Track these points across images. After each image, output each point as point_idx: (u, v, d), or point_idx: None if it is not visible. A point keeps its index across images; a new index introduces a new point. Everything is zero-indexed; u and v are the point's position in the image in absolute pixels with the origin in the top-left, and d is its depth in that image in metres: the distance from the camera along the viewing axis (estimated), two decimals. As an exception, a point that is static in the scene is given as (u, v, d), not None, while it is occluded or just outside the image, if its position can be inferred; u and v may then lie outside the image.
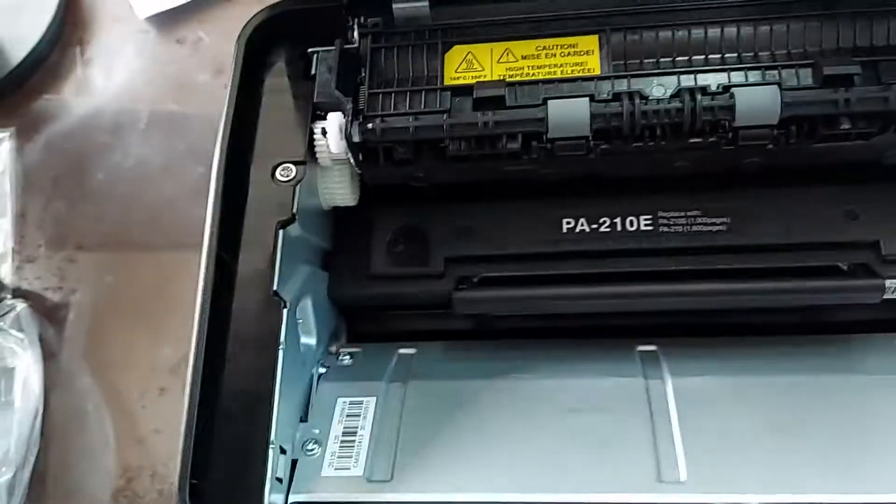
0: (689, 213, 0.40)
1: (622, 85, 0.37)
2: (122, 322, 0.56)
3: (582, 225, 0.41)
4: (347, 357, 0.41)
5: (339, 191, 0.40)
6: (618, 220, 0.41)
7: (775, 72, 0.36)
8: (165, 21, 0.69)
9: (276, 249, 0.36)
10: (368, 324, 0.44)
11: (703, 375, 0.37)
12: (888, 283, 0.38)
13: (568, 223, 0.41)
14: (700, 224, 0.40)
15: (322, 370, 0.40)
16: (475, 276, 0.41)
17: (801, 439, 0.33)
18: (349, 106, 0.37)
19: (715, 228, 0.40)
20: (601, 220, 0.41)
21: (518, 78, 0.38)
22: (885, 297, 0.38)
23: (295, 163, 0.37)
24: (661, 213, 0.40)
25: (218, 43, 0.67)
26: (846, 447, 0.33)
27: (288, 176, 0.37)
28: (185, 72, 0.67)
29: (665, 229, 0.40)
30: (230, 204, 0.36)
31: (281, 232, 0.36)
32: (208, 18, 0.71)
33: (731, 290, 0.37)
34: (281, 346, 0.34)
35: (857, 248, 0.39)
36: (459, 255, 0.41)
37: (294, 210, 0.36)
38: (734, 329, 0.41)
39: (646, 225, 0.40)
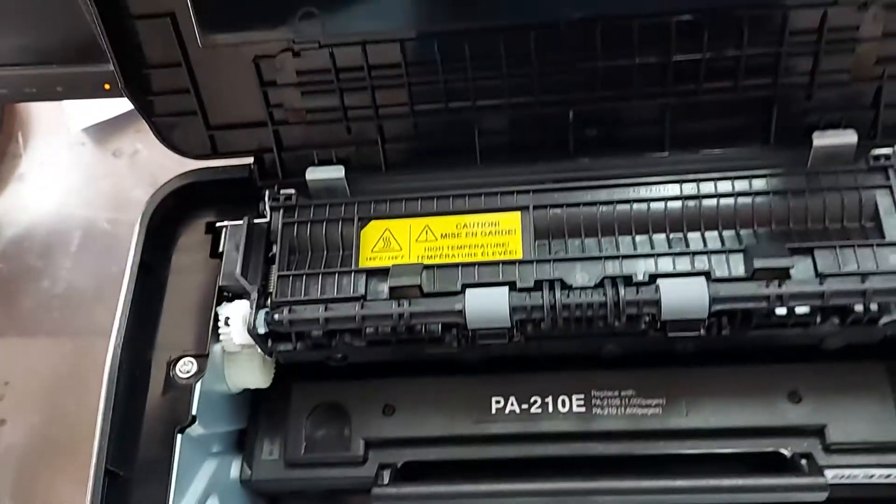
0: (623, 394, 0.38)
1: (544, 271, 0.35)
2: (49, 462, 0.54)
3: (512, 405, 0.38)
4: (262, 548, 0.38)
5: (248, 376, 0.37)
6: (549, 399, 0.38)
7: (705, 258, 0.34)
8: (102, 133, 0.66)
9: (174, 459, 0.33)
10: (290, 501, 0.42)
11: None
12: (833, 472, 0.36)
13: (497, 402, 0.38)
14: (635, 405, 0.38)
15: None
16: (398, 462, 0.38)
17: None
18: (254, 294, 0.35)
19: (650, 411, 0.37)
20: (532, 400, 0.38)
21: (437, 259, 0.36)
22: (833, 482, 0.36)
23: (196, 356, 0.35)
24: (594, 393, 0.38)
25: (155, 155, 0.64)
26: None
27: (188, 371, 0.35)
28: (120, 186, 0.64)
29: (599, 411, 0.38)
30: (126, 409, 0.34)
31: (178, 438, 0.33)
32: (146, 129, 0.67)
33: (664, 487, 0.35)
34: (175, 570, 0.31)
35: (801, 433, 0.37)
36: (381, 437, 0.38)
37: (193, 411, 0.34)
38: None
39: (578, 406, 0.38)
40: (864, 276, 0.32)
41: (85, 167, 0.64)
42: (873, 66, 0.34)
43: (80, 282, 0.59)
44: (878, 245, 0.33)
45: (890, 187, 0.34)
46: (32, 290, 0.59)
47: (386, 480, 0.37)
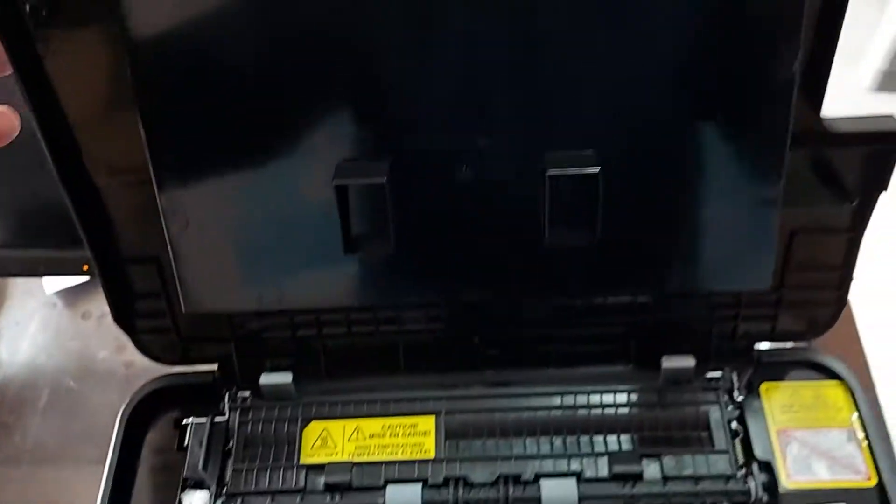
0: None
1: (452, 468, 0.43)
2: None
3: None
4: None
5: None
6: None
7: (577, 460, 0.43)
8: (73, 296, 0.74)
9: None
10: None
11: None
12: None
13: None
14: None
15: None
16: None
17: None
18: (213, 487, 0.43)
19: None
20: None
21: (364, 457, 0.44)
22: None
23: (162, 544, 0.42)
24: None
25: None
26: None
27: (154, 558, 0.42)
28: (87, 347, 0.71)
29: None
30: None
31: None
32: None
33: None
34: None
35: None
36: None
37: None
38: None
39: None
40: (698, 479, 0.42)
41: (55, 328, 0.71)
42: (706, 311, 0.45)
43: (47, 438, 0.65)
44: (708, 452, 0.43)
45: (719, 403, 0.44)
46: (4, 445, 0.65)
47: None
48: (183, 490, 0.44)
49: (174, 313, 0.45)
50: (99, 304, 0.74)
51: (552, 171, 0.36)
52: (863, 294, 0.53)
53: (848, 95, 1.66)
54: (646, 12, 0.33)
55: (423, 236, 0.39)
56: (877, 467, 0.41)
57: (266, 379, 0.46)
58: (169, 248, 0.38)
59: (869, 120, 0.38)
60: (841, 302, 0.43)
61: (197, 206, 0.38)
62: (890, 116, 0.38)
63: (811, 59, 0.34)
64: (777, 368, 0.45)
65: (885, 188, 0.38)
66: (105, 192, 0.40)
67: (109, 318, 0.72)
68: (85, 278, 0.74)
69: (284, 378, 0.46)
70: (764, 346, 0.46)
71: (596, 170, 0.36)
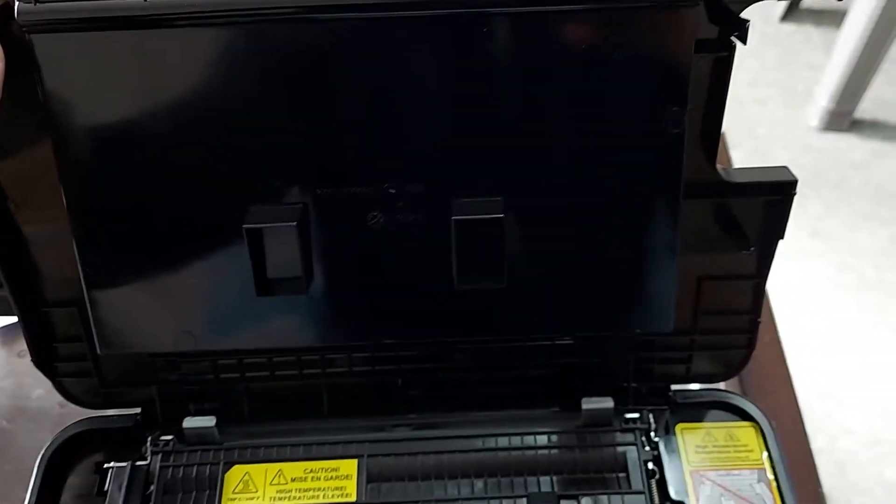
0: None
1: (373, 513, 0.43)
2: None
3: None
4: None
5: None
6: None
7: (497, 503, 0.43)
8: (7, 334, 0.73)
9: None
10: None
11: None
12: None
13: None
14: None
15: None
16: None
17: None
18: (130, 534, 0.42)
19: None
20: None
21: (286, 502, 0.44)
22: None
23: (76, 590, 0.41)
24: None
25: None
26: None
27: None
28: (21, 386, 0.70)
29: None
30: None
31: None
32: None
33: None
34: None
35: None
36: None
37: None
38: None
39: None
40: (613, 520, 0.43)
41: (-11, 367, 0.70)
42: (623, 353, 0.46)
43: (-23, 478, 0.64)
44: (625, 493, 0.43)
45: (636, 445, 0.45)
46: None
47: None
48: (101, 538, 0.43)
49: (95, 357, 0.45)
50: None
51: (458, 217, 0.37)
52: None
53: (797, 136, 1.73)
54: (544, 76, 0.34)
55: (337, 280, 0.39)
56: (785, 506, 0.42)
57: (189, 423, 0.46)
58: (84, 289, 0.39)
59: (764, 170, 0.39)
60: (751, 345, 0.45)
61: (111, 249, 0.39)
62: (784, 167, 0.40)
63: (704, 115, 0.36)
64: (692, 410, 0.46)
65: (781, 236, 0.40)
66: (26, 236, 0.41)
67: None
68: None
69: (208, 422, 0.46)
70: (680, 387, 0.47)
71: (500, 215, 0.37)
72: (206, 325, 0.40)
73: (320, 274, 0.39)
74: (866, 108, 1.72)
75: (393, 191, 0.37)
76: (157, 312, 0.40)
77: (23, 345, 0.73)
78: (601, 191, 0.38)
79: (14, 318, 0.74)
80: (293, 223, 0.37)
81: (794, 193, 0.40)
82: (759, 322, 0.44)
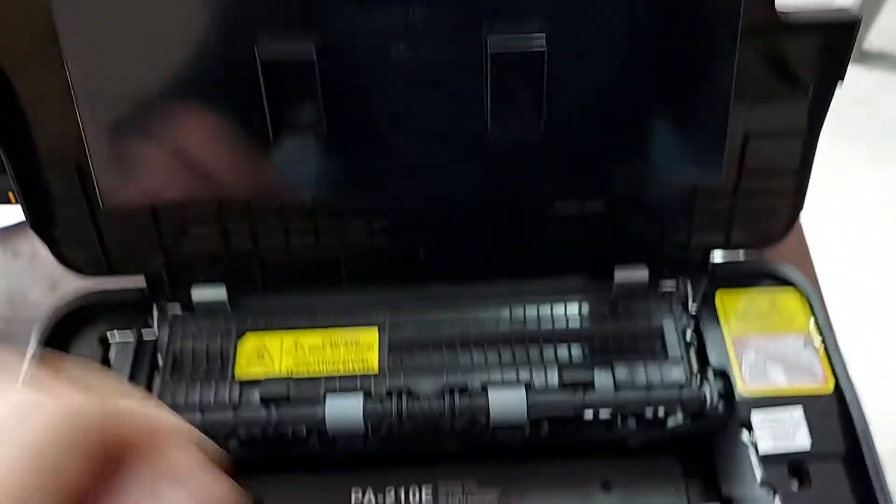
0: (465, 483, 0.44)
1: (396, 381, 0.41)
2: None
3: (369, 495, 0.44)
4: None
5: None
6: (402, 490, 0.44)
7: (527, 371, 0.41)
8: (2, 234, 0.70)
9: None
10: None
11: None
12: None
13: (356, 494, 0.44)
14: (476, 494, 0.44)
15: None
16: (264, 551, 0.43)
17: None
18: (139, 402, 0.40)
19: (488, 498, 0.43)
20: (387, 490, 0.44)
21: (304, 371, 0.41)
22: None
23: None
24: (440, 483, 0.44)
25: (53, 259, 0.68)
26: None
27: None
28: (18, 286, 0.67)
29: (444, 499, 0.44)
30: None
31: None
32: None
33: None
34: None
35: (609, 517, 0.44)
36: (251, 528, 0.43)
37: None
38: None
39: (427, 495, 0.43)
40: (650, 387, 0.40)
41: (-17, 267, 0.67)
42: (659, 218, 0.43)
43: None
44: (662, 361, 0.41)
45: (672, 314, 0.42)
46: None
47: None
48: (106, 408, 0.41)
49: (96, 222, 0.42)
50: (30, 243, 0.70)
51: (495, 49, 0.34)
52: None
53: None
54: None
55: (358, 124, 0.36)
56: (834, 372, 0.40)
57: (198, 292, 0.43)
58: (84, 139, 0.35)
59: (824, 13, 0.36)
60: (797, 208, 0.42)
61: (115, 92, 0.35)
62: (845, 10, 0.37)
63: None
64: (732, 278, 0.44)
65: (841, 77, 0.37)
66: (20, 93, 0.37)
67: (41, 257, 0.70)
68: (15, 219, 0.70)
69: (218, 292, 0.43)
70: (718, 256, 0.44)
71: (542, 49, 0.34)
72: (218, 170, 0.37)
73: (340, 117, 0.36)
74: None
75: (417, 17, 0.33)
76: (162, 161, 0.37)
77: (16, 245, 0.71)
78: (653, 25, 0.35)
79: (4, 220, 0.71)
80: (311, 56, 0.34)
81: (857, 32, 0.36)
82: (808, 183, 0.41)
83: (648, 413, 0.41)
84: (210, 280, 0.44)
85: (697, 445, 0.45)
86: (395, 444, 0.42)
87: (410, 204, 0.41)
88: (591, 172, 0.39)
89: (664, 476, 0.44)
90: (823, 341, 0.41)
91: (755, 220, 0.43)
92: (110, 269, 0.43)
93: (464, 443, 0.43)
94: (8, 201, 0.61)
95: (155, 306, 0.43)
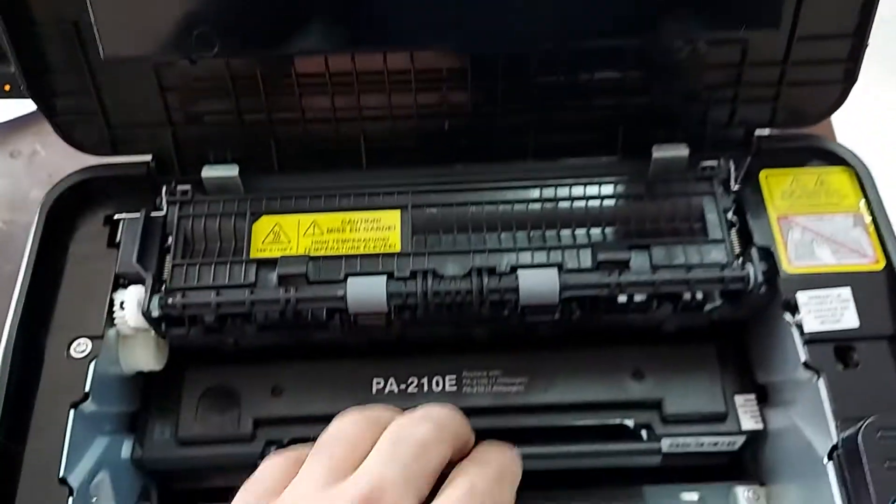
0: (490, 374, 0.42)
1: (420, 263, 0.39)
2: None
3: (391, 385, 0.42)
4: (152, 525, 0.40)
5: (142, 358, 0.40)
6: (425, 380, 0.42)
7: (558, 252, 0.39)
8: (1, 133, 0.67)
9: (66, 432, 0.35)
10: (181, 483, 0.44)
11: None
12: (669, 441, 0.41)
13: (378, 383, 0.42)
14: (501, 384, 0.42)
15: (121, 542, 0.39)
16: (284, 438, 0.41)
17: None
18: (148, 280, 0.38)
19: (514, 388, 0.42)
20: (410, 381, 0.42)
21: (322, 252, 0.39)
22: (667, 451, 0.41)
23: (91, 337, 0.37)
24: (465, 374, 0.42)
25: (54, 157, 0.65)
26: None
27: (83, 352, 0.37)
28: (17, 187, 0.65)
29: (469, 389, 0.42)
30: (20, 385, 0.36)
31: (72, 413, 0.35)
32: (45, 131, 0.68)
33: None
34: (64, 538, 0.33)
35: (642, 407, 0.42)
36: (269, 416, 0.41)
37: (87, 388, 0.36)
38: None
39: (451, 385, 0.42)
40: (689, 267, 0.38)
41: (-18, 167, 0.65)
42: (702, 91, 0.40)
43: (-24, 279, 0.59)
44: (702, 242, 0.39)
45: (713, 194, 0.40)
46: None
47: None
48: (115, 290, 0.39)
49: (99, 93, 0.39)
50: (29, 142, 0.68)
51: None
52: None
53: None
54: None
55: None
56: (885, 251, 0.38)
57: (209, 171, 0.41)
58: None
59: None
60: (851, 77, 0.39)
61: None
62: None
63: None
64: (777, 156, 0.41)
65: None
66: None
67: (41, 157, 0.67)
68: (12, 115, 0.68)
69: (230, 171, 0.41)
70: (763, 133, 0.41)
71: None
72: (225, 23, 0.33)
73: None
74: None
75: None
76: (168, 7, 0.34)
77: (15, 145, 0.68)
78: None
79: (4, 118, 0.68)
80: None
81: None
82: (864, 50, 0.38)
83: (686, 296, 0.38)
84: (221, 159, 0.41)
85: (734, 333, 0.43)
86: (418, 331, 0.40)
87: (434, 55, 0.38)
88: (642, 9, 0.35)
89: (698, 365, 0.42)
90: (874, 220, 0.38)
91: (805, 93, 0.40)
92: (115, 148, 0.41)
93: (491, 330, 0.41)
94: (4, 93, 0.58)
95: (164, 187, 0.40)
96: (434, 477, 0.28)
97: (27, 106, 0.68)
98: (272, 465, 0.29)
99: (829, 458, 0.34)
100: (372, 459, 0.28)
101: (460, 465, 0.29)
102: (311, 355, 0.43)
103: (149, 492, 0.43)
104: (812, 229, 0.38)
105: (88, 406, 0.36)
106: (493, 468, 0.29)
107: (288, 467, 0.29)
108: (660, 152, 0.41)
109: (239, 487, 0.35)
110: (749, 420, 0.41)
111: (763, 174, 0.40)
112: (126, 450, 0.40)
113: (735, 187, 0.40)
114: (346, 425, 0.30)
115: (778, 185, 0.40)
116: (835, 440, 0.34)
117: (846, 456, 0.33)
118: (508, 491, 0.29)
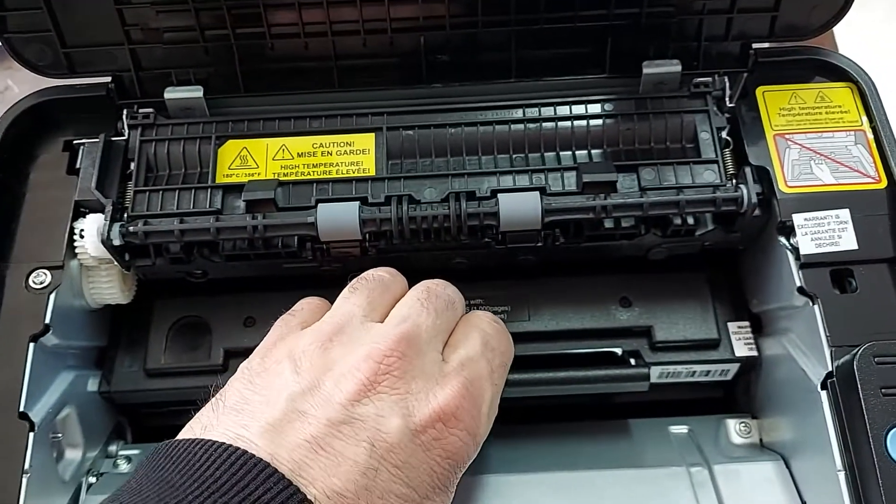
0: (471, 303, 0.40)
1: (395, 187, 0.37)
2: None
3: (368, 316, 0.40)
4: (124, 461, 0.39)
5: (108, 291, 0.38)
6: (403, 311, 0.40)
7: (542, 175, 0.37)
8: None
9: (25, 365, 0.34)
10: (155, 419, 0.43)
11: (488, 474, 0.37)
12: (659, 369, 0.40)
13: (355, 315, 0.40)
14: (483, 314, 0.40)
15: (93, 479, 0.38)
16: (258, 371, 0.40)
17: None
18: (109, 207, 0.36)
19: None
20: (388, 312, 0.41)
21: (292, 177, 0.37)
22: (657, 381, 0.40)
23: (51, 268, 0.35)
24: (445, 304, 0.40)
25: (26, 93, 0.63)
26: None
27: (42, 283, 0.35)
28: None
29: (449, 321, 0.40)
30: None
31: (31, 346, 0.34)
32: (17, 66, 0.66)
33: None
34: (26, 473, 0.32)
35: (631, 335, 0.40)
36: (242, 346, 0.40)
37: (47, 320, 0.34)
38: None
39: (431, 317, 0.40)
40: (680, 188, 0.36)
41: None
42: (695, 2, 0.38)
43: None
44: (694, 163, 0.37)
45: (707, 112, 0.38)
46: None
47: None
48: (75, 218, 0.37)
49: (51, 8, 0.36)
50: (2, 78, 0.65)
51: None
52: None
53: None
54: None
55: None
56: (888, 169, 0.35)
57: (171, 93, 0.38)
58: None
59: None
60: (855, -17, 0.36)
61: None
62: None
63: None
64: (775, 72, 0.38)
65: None
66: None
67: (15, 92, 0.65)
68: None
69: (194, 92, 0.38)
70: (761, 47, 0.39)
71: None
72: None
73: None
74: None
75: None
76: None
77: (-13, 81, 0.66)
78: None
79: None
80: None
81: None
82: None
83: (677, 220, 0.36)
84: (185, 81, 0.39)
85: (726, 262, 0.41)
86: (394, 260, 0.38)
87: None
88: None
89: (689, 292, 0.41)
90: (877, 136, 0.36)
91: (805, 2, 0.37)
92: (72, 69, 0.38)
93: (471, 260, 0.39)
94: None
95: (124, 110, 0.38)
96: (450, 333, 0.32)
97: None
98: (308, 302, 0.33)
99: (823, 386, 0.33)
100: (409, 305, 0.31)
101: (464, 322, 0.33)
102: (284, 286, 0.41)
103: (122, 429, 0.42)
104: (811, 148, 0.36)
105: (49, 339, 0.35)
106: (490, 323, 0.33)
107: (323, 306, 0.33)
108: (651, 69, 0.38)
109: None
110: (743, 347, 0.40)
111: (760, 90, 0.38)
112: (93, 385, 0.39)
113: (730, 105, 0.38)
114: (380, 272, 0.33)
115: (776, 103, 0.37)
116: (829, 368, 0.32)
117: (841, 383, 0.31)
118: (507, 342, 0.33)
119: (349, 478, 0.25)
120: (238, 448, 0.25)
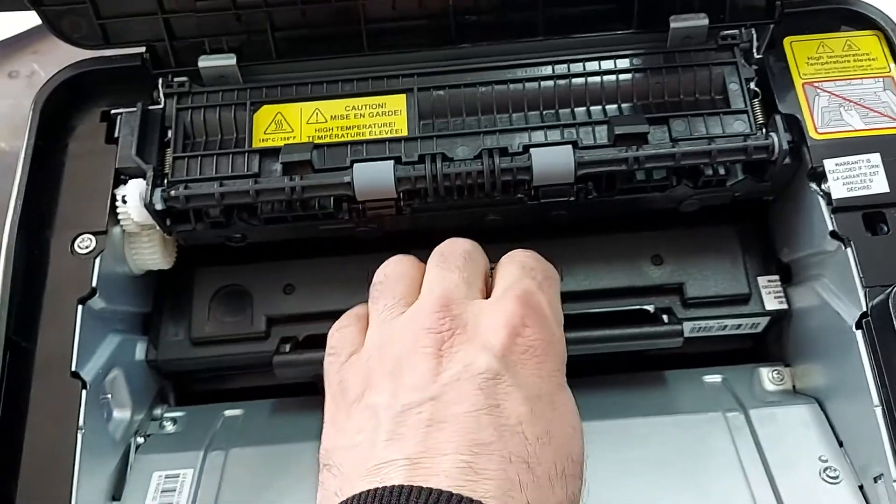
0: (506, 263, 0.41)
1: (428, 146, 0.37)
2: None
3: (404, 278, 0.41)
4: (170, 423, 0.40)
5: (150, 256, 0.39)
6: (438, 271, 0.41)
7: (573, 130, 0.37)
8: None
9: (75, 327, 0.34)
10: (198, 384, 0.44)
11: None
12: (691, 325, 0.40)
13: (390, 277, 0.41)
14: (517, 273, 0.41)
15: (141, 440, 0.39)
16: (299, 335, 0.41)
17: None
18: (150, 172, 0.36)
19: (530, 277, 0.41)
20: (423, 273, 0.41)
21: (327, 139, 0.38)
22: (689, 335, 0.40)
23: (95, 233, 0.36)
24: (480, 264, 0.41)
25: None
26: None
27: (87, 248, 0.36)
28: (17, 107, 0.63)
29: (484, 279, 0.41)
30: (25, 283, 0.35)
31: (80, 308, 0.35)
32: (44, 50, 0.67)
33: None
34: (80, 430, 0.33)
35: (663, 292, 0.41)
36: (282, 314, 0.41)
37: (94, 284, 0.35)
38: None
39: (465, 276, 0.41)
40: (711, 138, 0.36)
41: (-19, 89, 0.63)
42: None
43: (-19, 200, 0.59)
44: (723, 113, 0.37)
45: (735, 63, 0.38)
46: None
47: (287, 350, 0.39)
48: (116, 186, 0.38)
49: (87, -21, 0.37)
50: (27, 63, 0.66)
51: None
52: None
53: None
54: None
55: None
56: (917, 114, 0.36)
57: (206, 61, 0.39)
58: None
59: None
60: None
61: None
62: None
63: None
64: (802, 22, 0.39)
65: None
66: None
67: (40, 77, 0.65)
68: (9, 33, 0.66)
69: (227, 60, 0.39)
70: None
71: None
72: None
73: None
74: None
75: None
76: None
77: (12, 66, 0.66)
78: None
79: (1, 37, 0.66)
80: None
81: None
82: None
83: (708, 171, 0.37)
84: (218, 49, 0.39)
85: (755, 215, 0.42)
86: (429, 220, 0.39)
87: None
88: None
89: (719, 248, 0.41)
90: (907, 82, 0.36)
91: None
92: (106, 40, 0.39)
93: (505, 216, 0.40)
94: None
95: (160, 80, 0.39)
96: (484, 277, 0.32)
97: (22, 23, 0.67)
98: (340, 329, 0.33)
99: (858, 326, 0.33)
100: (431, 274, 0.32)
101: (498, 265, 0.33)
102: (321, 252, 0.42)
103: (166, 393, 0.43)
104: (839, 95, 0.36)
105: (97, 302, 0.36)
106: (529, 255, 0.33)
107: (356, 323, 0.33)
108: (678, 23, 0.38)
109: (254, 386, 0.41)
110: (773, 300, 0.40)
111: (787, 41, 0.38)
112: (140, 352, 0.40)
113: (758, 56, 0.38)
114: (393, 265, 0.33)
115: (803, 52, 0.38)
116: (864, 308, 0.33)
117: (876, 321, 0.32)
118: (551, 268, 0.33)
119: (480, 424, 0.26)
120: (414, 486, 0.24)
